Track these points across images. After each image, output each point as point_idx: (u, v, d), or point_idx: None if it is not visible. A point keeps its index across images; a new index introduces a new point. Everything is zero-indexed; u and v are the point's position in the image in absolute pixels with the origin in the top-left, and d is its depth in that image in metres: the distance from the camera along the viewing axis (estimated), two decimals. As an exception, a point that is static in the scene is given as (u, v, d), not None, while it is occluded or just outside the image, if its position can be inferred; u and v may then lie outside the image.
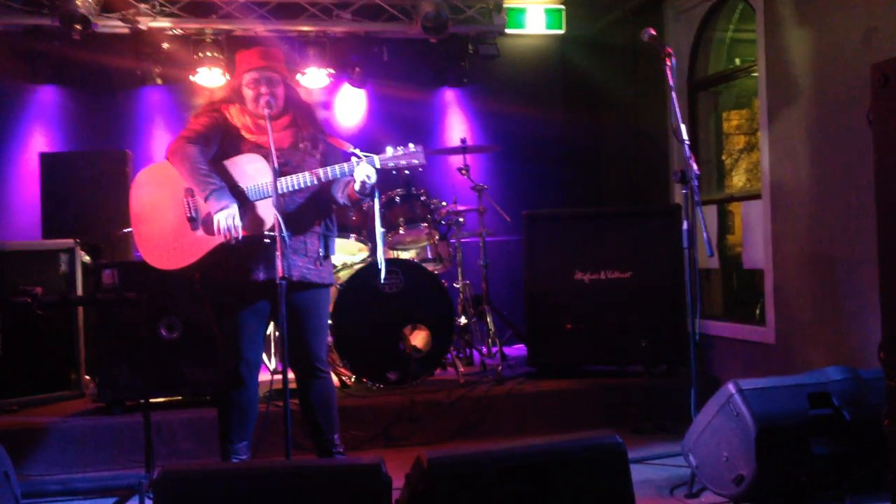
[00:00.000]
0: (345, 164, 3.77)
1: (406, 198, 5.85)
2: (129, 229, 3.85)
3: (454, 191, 6.37)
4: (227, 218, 3.65)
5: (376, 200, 3.98)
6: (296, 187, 3.73)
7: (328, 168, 3.78)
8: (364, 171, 3.73)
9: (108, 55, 7.10)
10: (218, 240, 3.71)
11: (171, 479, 2.64)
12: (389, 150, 3.81)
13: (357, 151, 3.77)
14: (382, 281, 5.05)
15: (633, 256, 5.77)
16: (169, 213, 3.78)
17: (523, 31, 7.74)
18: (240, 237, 3.67)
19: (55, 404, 5.22)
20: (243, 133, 3.87)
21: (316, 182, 3.77)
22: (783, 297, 5.45)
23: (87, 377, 5.52)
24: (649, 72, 6.89)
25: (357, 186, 3.77)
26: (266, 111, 3.74)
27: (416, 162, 3.81)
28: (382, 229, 4.14)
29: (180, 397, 5.10)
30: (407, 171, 3.91)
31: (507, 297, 6.84)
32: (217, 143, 3.83)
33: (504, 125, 7.82)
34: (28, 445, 4.65)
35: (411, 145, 3.81)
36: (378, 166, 3.78)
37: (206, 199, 3.67)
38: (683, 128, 4.05)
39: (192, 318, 4.94)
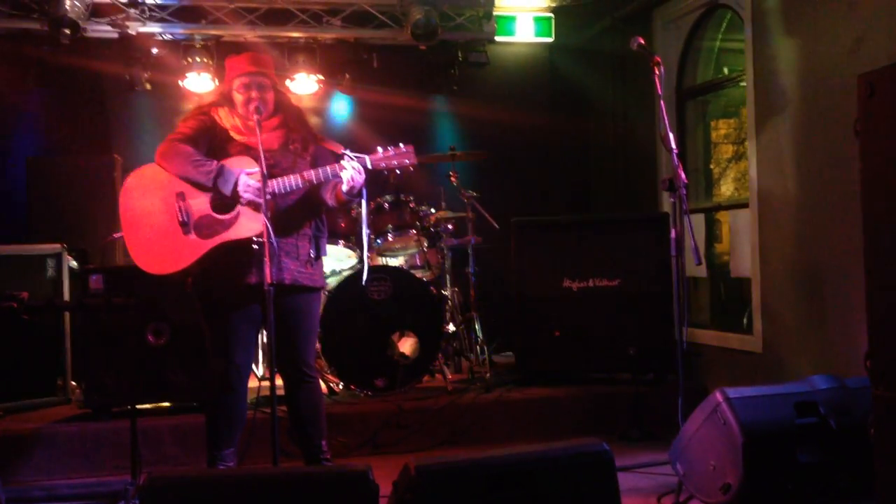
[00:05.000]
0: (336, 165, 3.77)
1: (395, 204, 5.85)
2: (119, 234, 3.84)
3: (443, 197, 6.37)
4: (247, 188, 3.67)
5: (363, 203, 3.97)
6: (286, 189, 3.72)
7: (319, 169, 3.77)
8: (351, 171, 3.72)
9: (96, 60, 7.08)
10: (210, 244, 3.70)
11: (158, 486, 2.62)
12: (380, 151, 3.81)
13: (348, 152, 3.76)
14: (363, 282, 5.03)
15: (621, 264, 5.78)
16: (160, 217, 3.76)
17: (513, 39, 7.75)
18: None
19: (41, 410, 5.19)
20: (232, 134, 3.86)
21: (306, 184, 3.77)
22: (770, 306, 5.47)
23: (74, 383, 5.48)
24: (638, 80, 6.92)
25: (345, 187, 3.75)
26: (255, 116, 3.72)
27: (408, 162, 3.81)
28: (368, 230, 4.13)
29: (167, 403, 5.07)
30: (398, 172, 3.90)
31: (495, 304, 6.84)
32: (205, 146, 3.83)
33: (493, 132, 7.81)
34: (13, 451, 4.62)
35: (401, 145, 3.81)
36: (370, 167, 3.77)
37: (213, 184, 3.66)
38: (671, 136, 4.06)
39: (179, 323, 4.92)
